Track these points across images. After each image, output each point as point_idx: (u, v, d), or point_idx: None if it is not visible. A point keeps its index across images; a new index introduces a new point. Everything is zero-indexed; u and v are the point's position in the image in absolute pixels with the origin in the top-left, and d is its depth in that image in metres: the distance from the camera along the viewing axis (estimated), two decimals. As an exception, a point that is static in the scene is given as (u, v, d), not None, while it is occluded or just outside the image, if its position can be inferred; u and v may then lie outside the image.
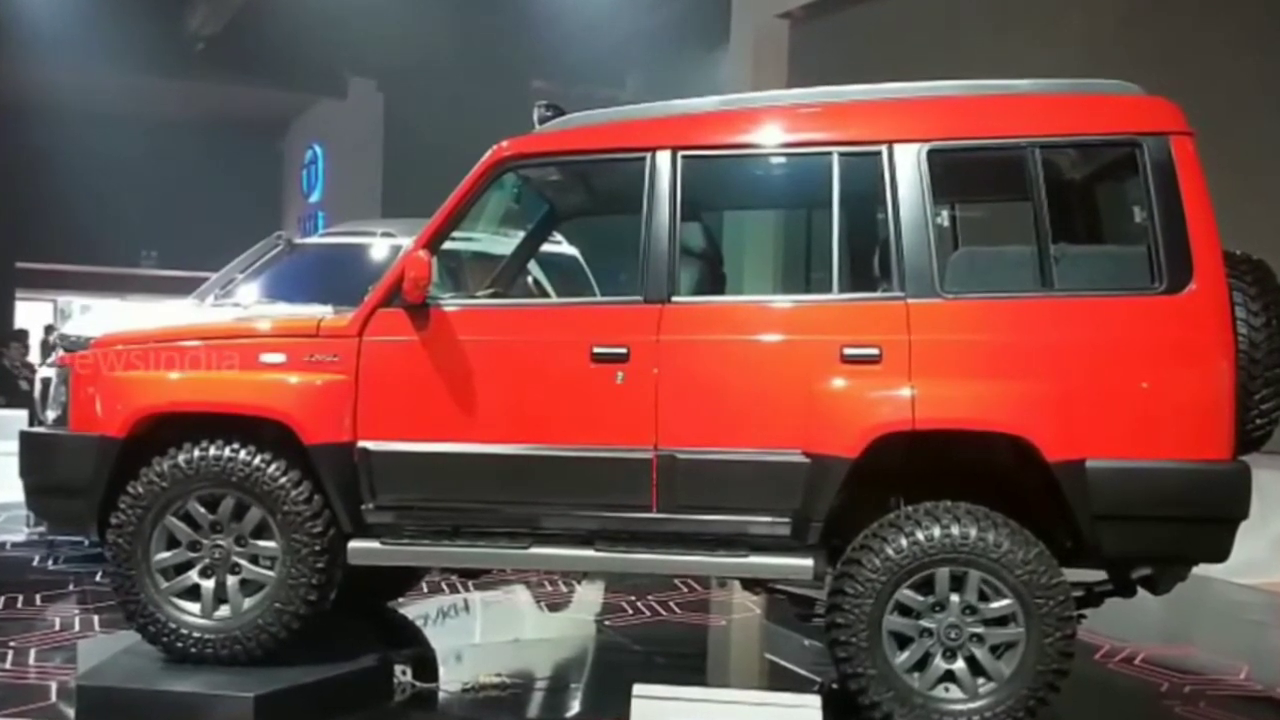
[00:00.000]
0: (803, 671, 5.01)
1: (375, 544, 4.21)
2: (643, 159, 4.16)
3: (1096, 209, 4.48)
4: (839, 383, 3.90)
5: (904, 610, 3.83)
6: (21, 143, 17.63)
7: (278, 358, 4.28)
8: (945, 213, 4.20)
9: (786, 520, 3.96)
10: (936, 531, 3.78)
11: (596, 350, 4.05)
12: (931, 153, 4.01)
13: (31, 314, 19.85)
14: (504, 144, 4.31)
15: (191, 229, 17.81)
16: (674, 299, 4.07)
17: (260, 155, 21.78)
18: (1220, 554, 3.85)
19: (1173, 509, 3.77)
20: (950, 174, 4.10)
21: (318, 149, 20.42)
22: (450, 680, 4.72)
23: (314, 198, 20.43)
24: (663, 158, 4.14)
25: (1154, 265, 3.83)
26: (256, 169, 21.41)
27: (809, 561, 3.96)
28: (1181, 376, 3.80)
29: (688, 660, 5.45)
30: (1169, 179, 3.85)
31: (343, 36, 15.11)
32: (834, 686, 4.21)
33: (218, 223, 15.93)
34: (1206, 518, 3.81)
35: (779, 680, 5.01)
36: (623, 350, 4.04)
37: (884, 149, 4.03)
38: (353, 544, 4.22)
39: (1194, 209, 3.83)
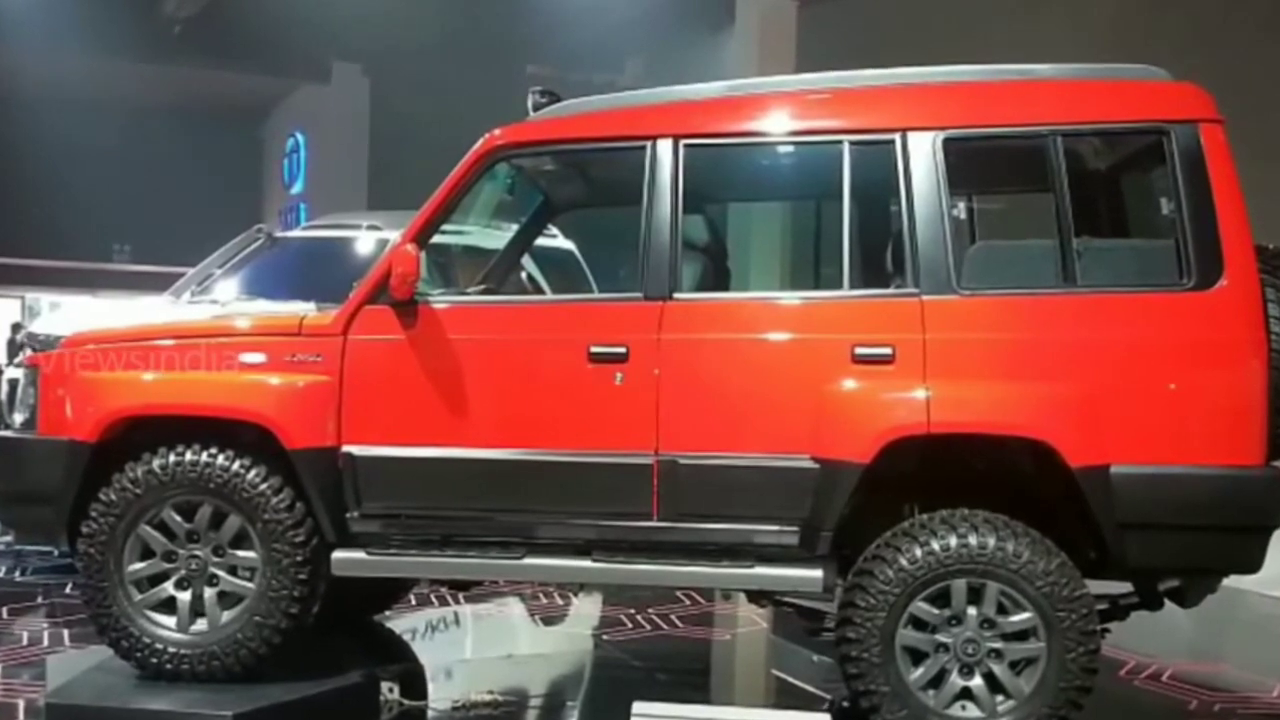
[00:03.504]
0: (811, 689, 5.01)
1: (361, 554, 4.20)
2: (643, 148, 4.16)
3: (1121, 201, 4.48)
4: (850, 384, 3.90)
5: (918, 624, 3.82)
6: (-14, 131, 17.68)
7: (258, 358, 4.27)
8: (962, 204, 4.19)
9: (794, 529, 3.96)
10: (953, 541, 3.78)
11: (594, 350, 4.04)
12: (947, 141, 4.00)
13: (-2, 312, 19.86)
14: (496, 132, 4.31)
15: (166, 222, 17.86)
16: (676, 296, 4.07)
17: (239, 144, 21.83)
18: (1252, 564, 3.85)
19: (1202, 517, 3.77)
20: (967, 163, 4.10)
21: (300, 137, 20.46)
22: (440, 698, 4.73)
23: (296, 189, 20.47)
24: (664, 147, 4.14)
25: (1182, 260, 3.83)
26: (235, 158, 21.47)
27: (818, 572, 3.96)
28: (1211, 377, 3.79)
29: (690, 677, 5.46)
30: (1198, 169, 3.85)
31: (326, 18, 15.14)
32: (844, 704, 4.21)
33: (194, 215, 15.97)
34: (1237, 526, 3.81)
35: (786, 698, 5.02)
36: (622, 350, 4.04)
37: (897, 137, 4.03)
38: (337, 554, 4.21)
39: (1224, 201, 3.82)
